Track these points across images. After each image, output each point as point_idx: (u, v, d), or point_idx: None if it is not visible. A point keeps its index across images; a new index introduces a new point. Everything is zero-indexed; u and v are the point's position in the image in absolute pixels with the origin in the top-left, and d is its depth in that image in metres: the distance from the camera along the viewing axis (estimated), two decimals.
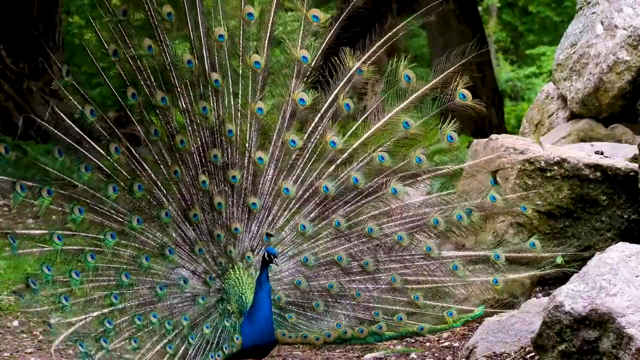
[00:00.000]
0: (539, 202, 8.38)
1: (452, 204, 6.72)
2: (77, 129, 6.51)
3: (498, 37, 28.97)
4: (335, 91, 6.62)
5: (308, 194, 6.62)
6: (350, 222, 6.63)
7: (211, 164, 6.56)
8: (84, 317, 6.47)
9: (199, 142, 6.56)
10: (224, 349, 6.42)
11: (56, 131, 6.51)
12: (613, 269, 6.36)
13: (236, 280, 6.49)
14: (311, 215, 6.61)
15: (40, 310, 6.57)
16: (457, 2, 18.19)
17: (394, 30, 6.61)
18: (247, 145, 6.58)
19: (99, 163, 6.53)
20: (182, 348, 6.44)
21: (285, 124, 6.61)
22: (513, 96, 27.30)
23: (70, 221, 6.49)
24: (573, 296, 6.26)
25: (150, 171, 6.57)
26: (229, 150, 6.58)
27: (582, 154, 8.86)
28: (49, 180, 6.47)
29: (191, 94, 6.57)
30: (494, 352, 7.21)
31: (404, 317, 6.63)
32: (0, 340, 8.41)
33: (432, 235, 6.71)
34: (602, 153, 9.06)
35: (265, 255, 6.26)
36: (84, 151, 6.52)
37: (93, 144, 6.53)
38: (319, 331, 6.57)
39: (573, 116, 10.95)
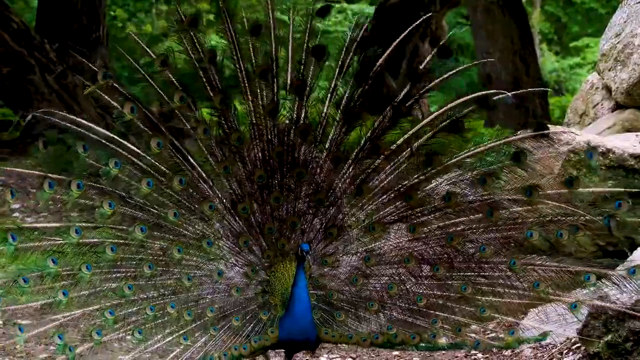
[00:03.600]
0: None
1: (556, 215, 6.15)
2: (105, 131, 6.21)
3: (541, 28, 28.85)
4: None
5: (389, 198, 6.29)
6: (429, 227, 6.28)
7: (273, 161, 6.29)
8: (80, 311, 6.18)
9: (264, 141, 6.28)
10: (253, 342, 6.29)
11: (82, 130, 6.20)
12: None
13: (284, 273, 6.34)
14: (387, 218, 6.31)
15: (28, 307, 6.22)
16: None
17: None
18: (326, 145, 6.27)
19: (134, 159, 6.25)
20: (202, 340, 6.28)
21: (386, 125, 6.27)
22: (557, 88, 27.17)
23: (99, 215, 6.24)
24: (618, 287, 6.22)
25: (196, 165, 6.28)
26: (300, 150, 6.28)
27: (627, 144, 8.80)
28: (78, 173, 6.22)
29: (265, 99, 6.24)
30: (539, 343, 7.20)
31: (463, 329, 6.28)
32: None
33: (520, 246, 6.20)
34: None
35: (299, 252, 6.17)
36: (116, 148, 6.22)
37: (126, 143, 6.23)
38: (367, 332, 6.34)
39: (618, 106, 10.91)
